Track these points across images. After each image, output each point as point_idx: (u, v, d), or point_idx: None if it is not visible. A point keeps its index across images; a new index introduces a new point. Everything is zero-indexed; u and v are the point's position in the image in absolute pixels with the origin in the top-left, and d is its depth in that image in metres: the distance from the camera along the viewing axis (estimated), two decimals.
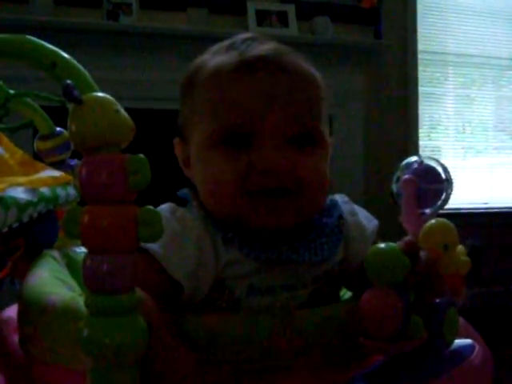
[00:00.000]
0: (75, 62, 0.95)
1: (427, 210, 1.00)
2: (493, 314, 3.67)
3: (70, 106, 0.60)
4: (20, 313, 0.90)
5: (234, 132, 0.81)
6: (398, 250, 0.69)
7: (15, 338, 0.91)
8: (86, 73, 0.94)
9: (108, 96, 0.61)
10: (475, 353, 0.79)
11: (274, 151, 0.79)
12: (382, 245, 0.70)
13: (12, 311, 1.01)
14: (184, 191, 0.89)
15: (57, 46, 0.99)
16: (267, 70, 0.82)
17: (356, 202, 0.97)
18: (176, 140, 0.93)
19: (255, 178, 0.79)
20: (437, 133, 4.65)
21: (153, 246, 0.75)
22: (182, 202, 0.86)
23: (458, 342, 0.78)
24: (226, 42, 0.89)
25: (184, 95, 0.90)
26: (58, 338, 0.77)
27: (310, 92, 0.85)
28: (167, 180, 1.99)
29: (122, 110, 0.61)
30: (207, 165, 0.83)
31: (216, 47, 0.90)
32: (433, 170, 1.01)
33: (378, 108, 4.21)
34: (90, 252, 0.60)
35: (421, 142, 4.42)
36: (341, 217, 0.90)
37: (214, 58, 0.86)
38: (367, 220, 0.93)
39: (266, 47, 0.85)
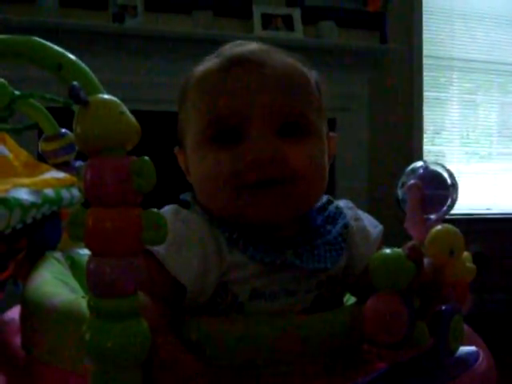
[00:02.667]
0: (81, 63, 0.95)
1: (432, 216, 0.99)
2: (495, 321, 3.66)
3: (76, 108, 0.59)
4: (22, 314, 0.90)
5: (221, 128, 0.81)
6: (403, 255, 0.68)
7: (17, 340, 0.91)
8: (92, 74, 0.94)
9: (114, 98, 0.61)
10: (480, 360, 0.78)
11: (261, 141, 0.79)
12: (387, 250, 0.69)
13: (14, 313, 1.01)
14: (187, 195, 0.89)
15: (62, 47, 0.99)
16: (249, 65, 0.82)
17: (360, 206, 0.96)
18: (177, 149, 0.93)
19: (244, 171, 0.79)
20: (441, 138, 4.65)
21: (156, 248, 0.75)
22: (185, 205, 0.86)
23: (463, 349, 0.77)
24: (218, 50, 0.90)
25: (179, 104, 0.91)
26: (60, 340, 0.77)
27: (294, 82, 0.84)
28: (172, 182, 1.99)
29: (128, 112, 0.61)
30: (198, 164, 0.84)
31: (208, 56, 0.90)
32: (438, 175, 1.01)
33: (383, 112, 4.20)
34: (94, 254, 0.60)
35: (425, 147, 4.41)
36: (346, 225, 0.89)
37: (202, 65, 0.88)
38: (371, 225, 0.93)
39: (249, 47, 0.86)
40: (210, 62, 0.86)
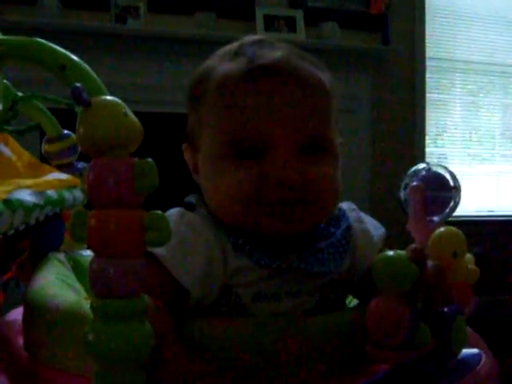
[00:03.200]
0: (85, 64, 0.95)
1: (435, 218, 0.99)
2: (498, 323, 3.66)
3: (79, 109, 0.59)
4: (25, 316, 0.90)
5: (246, 143, 0.80)
6: (406, 257, 0.68)
7: (20, 341, 0.91)
8: (95, 76, 0.94)
9: (117, 99, 0.61)
10: (482, 363, 0.78)
11: (286, 162, 0.79)
12: (390, 252, 0.69)
13: (17, 314, 1.01)
14: (192, 197, 0.89)
15: (64, 48, 0.99)
16: (275, 80, 0.81)
17: (362, 207, 0.96)
18: (185, 145, 0.92)
19: (269, 190, 0.79)
20: (443, 140, 4.65)
21: (160, 251, 0.74)
22: (190, 208, 0.86)
23: (465, 351, 0.77)
24: (233, 46, 0.87)
25: (192, 102, 0.89)
26: (62, 341, 0.77)
27: (319, 100, 0.84)
28: (175, 184, 1.99)
29: (131, 113, 0.61)
30: (218, 176, 0.82)
31: (222, 51, 0.88)
32: (441, 177, 1.01)
33: (385, 114, 4.20)
34: (97, 256, 0.60)
35: (427, 149, 4.41)
36: (349, 228, 0.89)
37: (222, 65, 0.85)
38: (374, 228, 0.93)
39: (274, 54, 0.83)
40: (230, 64, 0.84)
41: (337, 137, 0.87)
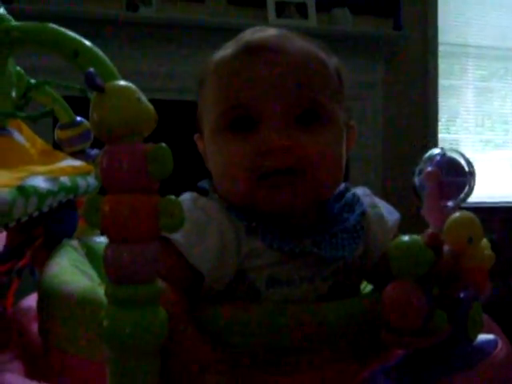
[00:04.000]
0: (98, 50, 0.95)
1: (450, 203, 0.99)
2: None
3: (92, 95, 0.59)
4: (39, 302, 0.91)
5: (238, 115, 0.81)
6: (422, 242, 0.68)
7: (34, 328, 0.91)
8: (109, 61, 0.94)
9: (130, 84, 0.61)
10: (498, 348, 0.78)
11: (277, 130, 0.79)
12: (406, 237, 0.69)
13: (31, 300, 1.01)
14: (205, 182, 0.89)
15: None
16: (267, 53, 0.82)
17: (375, 193, 0.96)
18: (196, 135, 0.93)
19: (260, 161, 0.79)
20: (456, 126, 4.62)
21: (174, 235, 0.74)
22: (203, 193, 0.86)
23: (481, 337, 0.77)
24: (237, 36, 0.89)
25: (198, 91, 0.91)
26: (77, 327, 0.77)
27: (312, 70, 0.83)
28: (190, 170, 1.99)
29: (145, 99, 0.61)
30: (216, 151, 0.84)
31: (229, 42, 0.89)
32: (456, 162, 1.00)
33: (398, 100, 4.19)
34: (111, 241, 0.60)
35: (439, 135, 4.39)
36: (363, 213, 0.89)
37: (221, 51, 0.87)
38: (389, 213, 0.92)
39: (268, 33, 0.85)
40: (228, 49, 0.86)
41: (339, 111, 0.86)
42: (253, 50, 0.82)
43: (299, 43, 0.85)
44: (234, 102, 0.81)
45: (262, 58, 0.81)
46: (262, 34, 0.86)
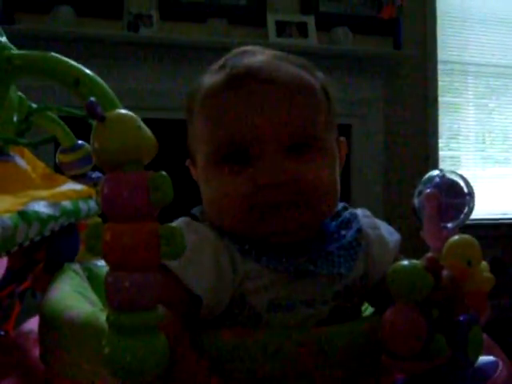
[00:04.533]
0: (98, 78, 0.95)
1: (449, 225, 0.99)
2: None
3: (93, 123, 0.60)
4: (41, 327, 0.91)
5: (230, 151, 0.81)
6: (421, 267, 0.68)
7: (36, 352, 0.91)
8: (109, 90, 0.95)
9: (130, 113, 0.61)
10: (499, 371, 0.78)
11: (272, 164, 0.79)
12: (405, 262, 0.69)
13: (33, 324, 1.01)
14: (197, 209, 0.89)
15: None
16: (255, 85, 0.81)
17: (375, 212, 0.96)
18: (188, 161, 0.93)
19: (258, 194, 0.79)
20: (457, 143, 4.63)
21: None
22: (196, 219, 0.86)
23: (481, 359, 0.77)
24: (221, 59, 0.89)
25: (186, 118, 0.91)
26: (78, 353, 0.77)
27: (302, 100, 0.83)
28: (186, 193, 1.99)
29: (145, 127, 0.61)
30: (210, 184, 0.84)
31: (212, 65, 0.89)
32: (455, 183, 1.01)
33: (398, 118, 4.20)
34: (112, 269, 0.60)
35: (440, 153, 4.40)
36: (360, 230, 0.89)
37: (207, 78, 0.87)
38: (389, 234, 0.92)
39: (254, 59, 0.84)
40: (215, 76, 0.85)
41: (330, 136, 0.87)
42: (241, 81, 0.81)
43: (286, 69, 0.84)
44: (226, 139, 0.81)
45: (251, 91, 0.81)
46: (247, 60, 0.84)
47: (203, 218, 0.87)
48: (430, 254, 0.73)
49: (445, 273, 0.72)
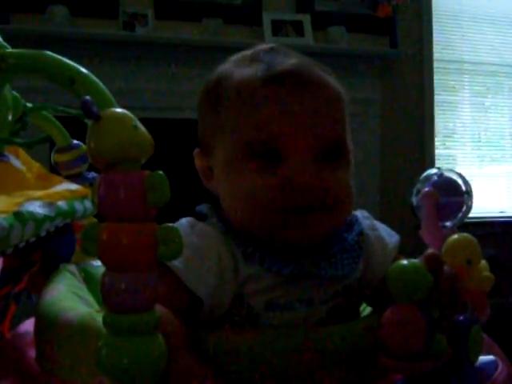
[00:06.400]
0: (93, 77, 0.95)
1: (448, 223, 0.98)
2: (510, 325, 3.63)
3: (89, 122, 0.59)
4: (36, 328, 0.90)
5: (263, 146, 0.80)
6: (421, 266, 0.68)
7: (32, 353, 0.91)
8: (105, 88, 0.94)
9: (126, 111, 0.61)
10: (499, 370, 0.77)
11: (305, 166, 0.79)
12: (405, 261, 0.68)
13: (29, 325, 1.00)
14: (202, 206, 0.88)
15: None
16: (293, 86, 0.81)
17: (372, 212, 0.96)
18: (196, 151, 0.91)
19: (289, 195, 0.78)
20: (452, 141, 4.63)
21: (173, 261, 0.74)
22: (200, 217, 0.85)
23: (481, 358, 0.76)
24: (248, 53, 0.88)
25: (206, 106, 0.89)
26: (74, 354, 0.77)
27: (335, 106, 0.84)
28: (184, 191, 1.99)
29: (141, 125, 0.60)
30: (236, 180, 0.82)
31: (237, 57, 0.89)
32: (453, 182, 1.00)
33: (394, 117, 4.19)
34: (109, 270, 0.60)
35: (436, 151, 4.40)
36: (361, 233, 0.89)
37: (239, 70, 0.85)
38: (388, 235, 0.92)
39: (290, 61, 0.83)
40: (247, 69, 0.84)
41: (350, 143, 0.87)
42: (281, 79, 0.81)
43: (318, 74, 0.84)
44: (263, 134, 0.80)
45: (290, 92, 0.80)
46: (282, 60, 0.84)
47: (212, 213, 0.86)
48: (430, 251, 0.72)
49: (446, 270, 0.72)
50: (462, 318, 0.72)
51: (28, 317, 1.06)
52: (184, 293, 0.76)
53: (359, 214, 0.93)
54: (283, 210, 0.79)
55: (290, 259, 0.81)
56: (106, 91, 0.93)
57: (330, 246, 0.85)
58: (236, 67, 0.86)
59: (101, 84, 0.94)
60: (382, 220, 0.96)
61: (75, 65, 0.96)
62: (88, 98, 0.58)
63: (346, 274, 0.84)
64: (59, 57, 0.96)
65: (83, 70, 0.95)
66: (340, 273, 0.83)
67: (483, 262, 0.83)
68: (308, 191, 0.78)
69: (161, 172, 0.60)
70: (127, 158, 0.59)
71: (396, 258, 0.87)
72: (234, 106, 0.83)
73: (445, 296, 0.71)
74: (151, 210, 0.59)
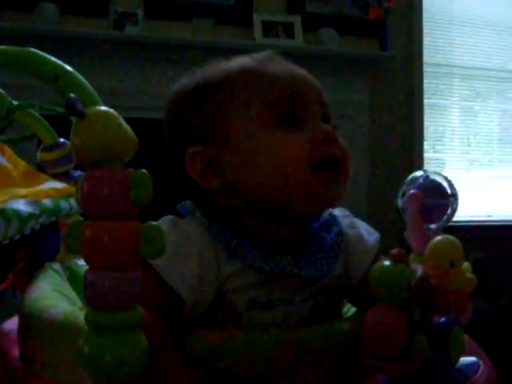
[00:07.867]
0: (78, 74, 0.95)
1: (433, 226, 0.99)
2: (497, 328, 3.65)
3: (73, 119, 0.59)
4: (20, 327, 0.90)
5: (284, 110, 0.83)
6: (403, 267, 0.68)
7: (15, 352, 0.90)
8: (89, 85, 0.94)
9: (111, 110, 0.61)
10: (480, 371, 0.78)
11: (322, 125, 0.83)
12: (386, 262, 0.69)
13: (13, 323, 1.00)
14: (185, 204, 0.88)
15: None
16: (294, 63, 0.89)
17: (359, 213, 0.96)
18: (192, 149, 0.86)
19: (321, 148, 0.81)
20: (442, 145, 4.64)
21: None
22: (182, 216, 0.85)
23: (463, 360, 0.77)
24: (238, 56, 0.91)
25: (197, 100, 0.88)
26: (57, 353, 0.77)
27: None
28: (167, 190, 1.98)
29: (125, 124, 0.61)
30: (266, 146, 0.82)
31: (229, 58, 0.90)
32: (438, 184, 1.01)
33: (383, 120, 4.20)
34: (91, 268, 0.60)
35: (425, 154, 4.41)
36: (340, 233, 0.89)
37: (237, 61, 0.88)
38: (368, 233, 0.92)
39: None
40: (249, 58, 0.89)
41: None
42: (279, 55, 0.90)
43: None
44: (283, 92, 0.83)
45: (293, 64, 0.89)
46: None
47: (194, 208, 0.86)
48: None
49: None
50: (443, 319, 0.73)
51: (12, 315, 1.06)
52: (165, 291, 0.76)
53: (338, 212, 0.93)
54: (313, 168, 0.80)
55: (271, 256, 0.81)
56: (91, 88, 0.93)
57: (309, 245, 0.86)
58: (231, 61, 0.89)
59: (85, 81, 0.94)
60: (370, 223, 0.96)
61: (60, 62, 0.96)
62: (72, 95, 0.58)
63: (326, 274, 0.84)
64: (44, 54, 0.96)
65: (68, 67, 0.95)
66: (319, 273, 0.83)
67: (466, 264, 0.83)
68: (334, 142, 0.83)
69: (144, 170, 0.60)
70: (111, 156, 0.59)
71: (377, 258, 0.87)
72: (248, 80, 0.85)
73: (426, 297, 0.71)
74: (134, 208, 0.60)
